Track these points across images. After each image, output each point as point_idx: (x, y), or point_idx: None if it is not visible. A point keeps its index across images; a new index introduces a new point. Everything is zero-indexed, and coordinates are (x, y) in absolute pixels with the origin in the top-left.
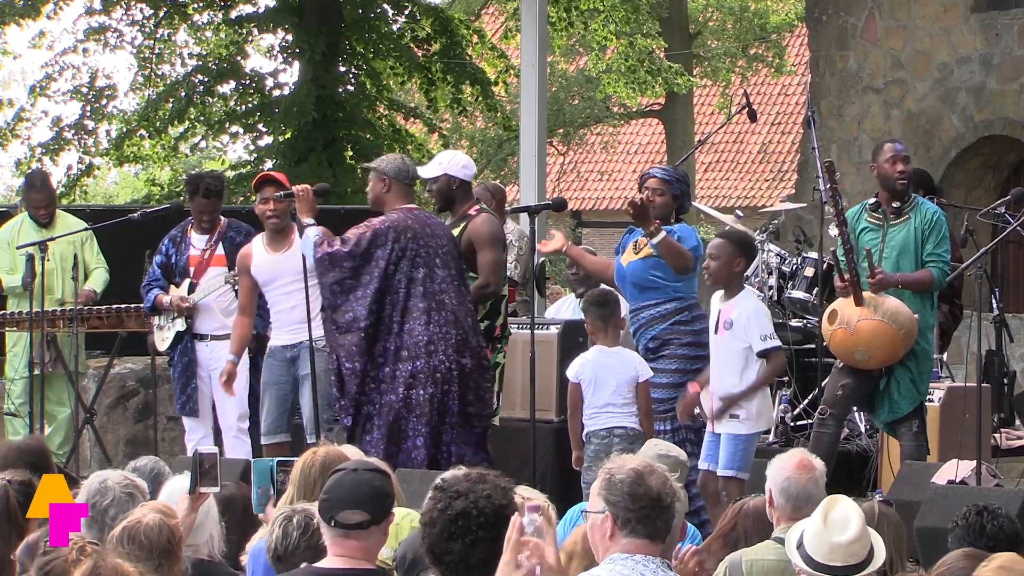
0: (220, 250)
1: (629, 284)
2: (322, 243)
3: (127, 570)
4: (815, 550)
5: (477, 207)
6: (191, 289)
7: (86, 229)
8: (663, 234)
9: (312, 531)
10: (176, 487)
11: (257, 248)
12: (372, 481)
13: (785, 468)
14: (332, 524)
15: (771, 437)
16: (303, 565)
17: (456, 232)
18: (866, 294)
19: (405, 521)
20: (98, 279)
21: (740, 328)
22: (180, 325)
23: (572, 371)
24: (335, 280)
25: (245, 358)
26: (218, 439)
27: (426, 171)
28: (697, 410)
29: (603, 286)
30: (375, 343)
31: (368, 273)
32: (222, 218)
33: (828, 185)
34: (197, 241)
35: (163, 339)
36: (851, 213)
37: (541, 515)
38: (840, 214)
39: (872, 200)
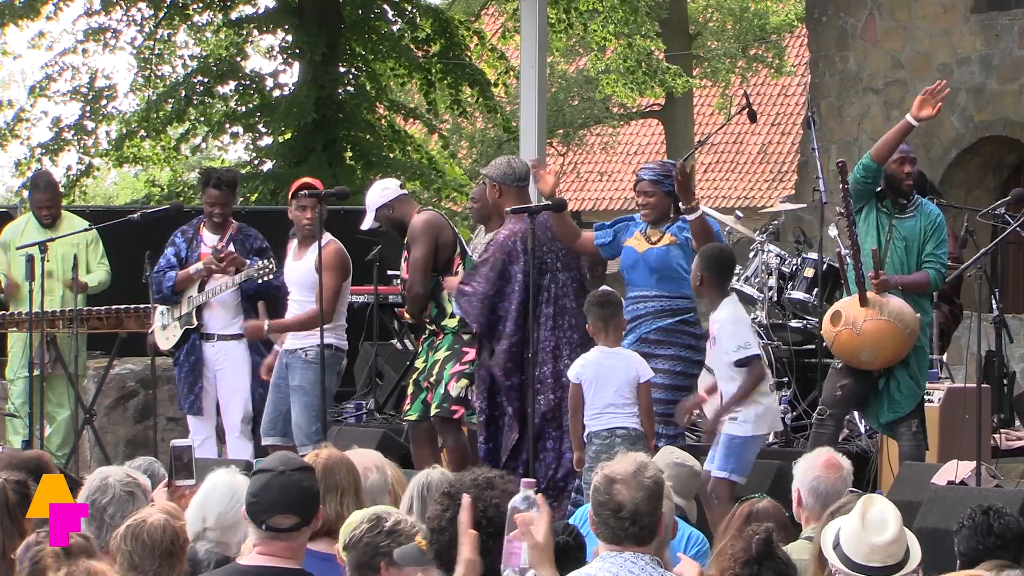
0: (230, 250)
1: (645, 270)
2: (459, 289)
3: (100, 569)
4: (853, 551)
5: (418, 209)
6: (200, 287)
7: (87, 229)
8: (700, 211)
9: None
10: (215, 480)
11: (290, 250)
12: (301, 482)
13: (813, 467)
14: (263, 528)
15: (771, 438)
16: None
17: (407, 240)
18: (869, 294)
19: None
20: (94, 278)
21: (720, 342)
22: (189, 322)
23: (573, 371)
24: (486, 312)
25: (246, 359)
26: (221, 439)
27: (367, 223)
28: (696, 412)
29: (605, 286)
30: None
31: (510, 288)
32: (233, 220)
33: (841, 185)
34: (209, 240)
35: (167, 338)
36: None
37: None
38: (850, 214)
39: (879, 190)
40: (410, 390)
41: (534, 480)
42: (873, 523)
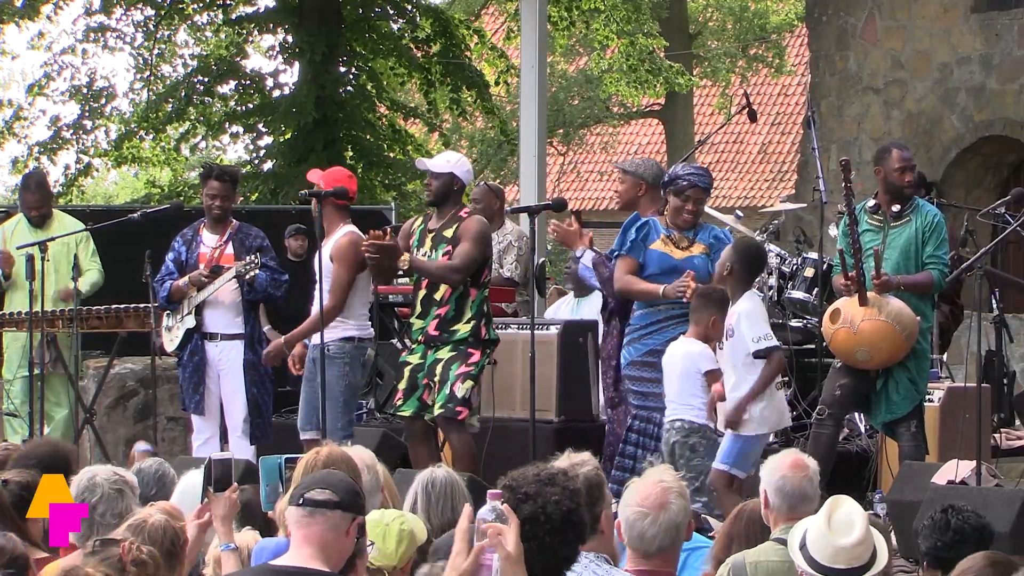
0: (230, 249)
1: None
2: (599, 264)
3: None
4: (818, 552)
5: (468, 209)
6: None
7: (84, 230)
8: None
9: None
10: (190, 483)
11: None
12: (345, 477)
13: (779, 468)
14: (300, 503)
15: (771, 437)
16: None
17: (449, 234)
18: (870, 294)
19: (395, 524)
20: (86, 280)
21: (738, 334)
22: (190, 322)
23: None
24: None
25: (240, 362)
26: (224, 439)
27: (434, 165)
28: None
29: (717, 287)
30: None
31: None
32: (234, 220)
33: (844, 183)
34: (208, 239)
35: (171, 339)
36: None
37: (504, 503)
38: (852, 213)
39: (872, 202)
40: (402, 385)
41: (500, 491)
42: (839, 524)
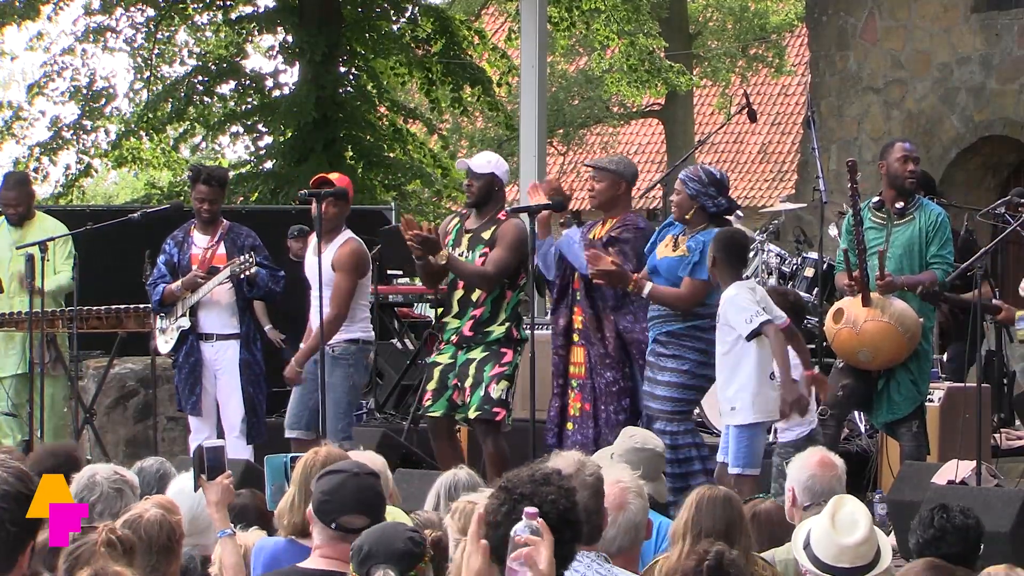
0: (221, 249)
1: (662, 279)
2: (594, 256)
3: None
4: (823, 551)
5: (506, 212)
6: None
7: (66, 235)
8: (649, 286)
9: None
10: (182, 485)
11: (311, 247)
12: (374, 487)
13: (807, 466)
14: (333, 527)
15: (771, 437)
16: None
17: (487, 236)
18: (873, 295)
19: None
20: (54, 281)
21: (724, 322)
22: (185, 323)
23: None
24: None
25: (235, 362)
26: (220, 438)
27: (476, 164)
28: (696, 410)
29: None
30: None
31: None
32: (224, 220)
33: (849, 184)
34: (199, 240)
35: (166, 341)
36: None
37: (539, 520)
38: (858, 213)
39: (876, 199)
40: (432, 386)
41: (536, 510)
42: (843, 524)
